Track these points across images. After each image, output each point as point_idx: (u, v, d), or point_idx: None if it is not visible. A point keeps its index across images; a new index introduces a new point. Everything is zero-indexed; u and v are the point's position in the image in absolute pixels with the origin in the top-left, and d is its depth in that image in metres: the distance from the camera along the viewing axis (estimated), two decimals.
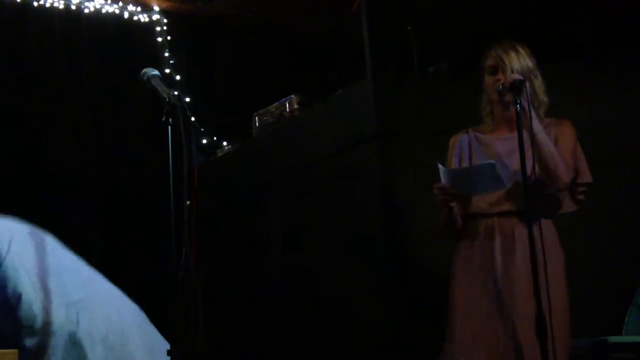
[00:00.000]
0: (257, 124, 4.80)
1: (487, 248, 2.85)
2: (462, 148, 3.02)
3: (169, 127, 2.50)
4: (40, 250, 2.96)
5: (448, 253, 3.00)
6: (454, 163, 3.03)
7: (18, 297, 2.81)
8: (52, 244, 3.03)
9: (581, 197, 2.90)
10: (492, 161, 2.76)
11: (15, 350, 2.74)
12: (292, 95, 4.58)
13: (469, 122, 3.17)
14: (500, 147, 2.92)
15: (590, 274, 3.58)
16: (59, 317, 2.85)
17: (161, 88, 2.59)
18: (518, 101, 2.67)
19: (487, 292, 2.82)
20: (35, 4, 5.17)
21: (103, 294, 3.10)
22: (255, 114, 4.82)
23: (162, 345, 2.85)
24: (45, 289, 2.86)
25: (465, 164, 2.98)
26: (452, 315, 2.89)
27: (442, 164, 2.88)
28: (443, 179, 2.82)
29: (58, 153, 5.07)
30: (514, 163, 2.78)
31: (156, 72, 2.64)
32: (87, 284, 3.06)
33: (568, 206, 2.91)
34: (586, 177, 2.89)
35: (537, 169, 2.76)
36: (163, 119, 2.50)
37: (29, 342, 2.80)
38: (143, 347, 3.01)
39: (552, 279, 2.62)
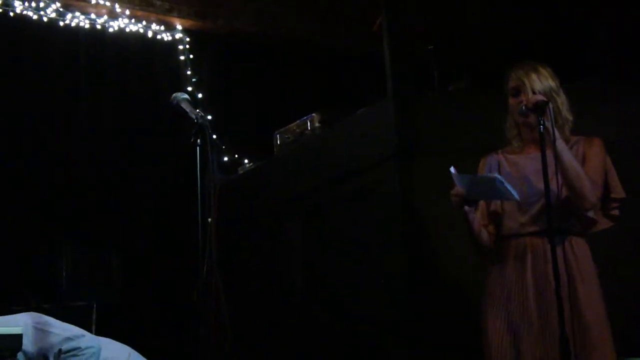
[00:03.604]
0: (278, 142, 4.84)
1: (519, 268, 2.86)
2: (491, 168, 3.03)
3: (197, 147, 2.56)
4: None
5: (469, 270, 3.00)
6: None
7: None
8: None
9: (615, 212, 2.90)
10: (497, 175, 2.77)
11: None
12: (313, 114, 4.61)
13: (489, 140, 3.18)
14: (528, 166, 2.92)
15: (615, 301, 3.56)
16: None
17: (190, 110, 2.67)
18: (541, 122, 2.69)
19: (520, 312, 2.81)
20: (62, 23, 5.27)
21: None
22: (277, 131, 4.86)
23: None
24: None
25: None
26: (485, 339, 2.89)
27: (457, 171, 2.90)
28: (456, 182, 2.83)
29: (82, 170, 5.14)
30: (541, 182, 2.79)
31: (185, 95, 2.73)
32: None
33: (602, 223, 2.90)
34: (619, 192, 2.88)
35: (563, 188, 2.77)
36: (192, 140, 2.57)
37: None
38: None
39: (586, 297, 2.62)
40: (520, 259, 2.86)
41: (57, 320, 3.09)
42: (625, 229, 3.04)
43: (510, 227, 2.91)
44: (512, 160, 3.00)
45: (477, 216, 2.95)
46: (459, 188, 2.83)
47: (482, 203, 3.02)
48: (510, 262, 2.88)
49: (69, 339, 2.97)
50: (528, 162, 2.94)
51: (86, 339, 3.01)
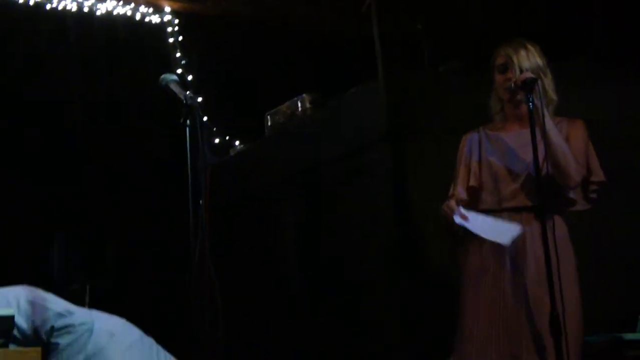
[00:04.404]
0: (269, 123, 4.83)
1: (496, 245, 2.85)
2: (471, 145, 3.03)
3: (187, 128, 2.55)
4: None
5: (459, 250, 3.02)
6: (463, 158, 3.04)
7: None
8: None
9: (594, 195, 2.91)
10: (519, 228, 2.77)
11: (39, 349, 2.80)
12: (303, 94, 4.60)
13: (480, 120, 3.18)
14: (511, 141, 2.93)
15: (605, 270, 3.59)
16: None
17: (179, 91, 2.66)
18: (530, 99, 2.70)
19: (497, 290, 2.82)
20: (48, 6, 5.22)
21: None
22: (267, 113, 4.84)
23: None
24: None
25: (475, 159, 2.98)
26: (462, 316, 2.90)
27: (452, 161, 2.91)
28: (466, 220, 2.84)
29: (71, 155, 5.11)
30: (525, 158, 2.80)
31: (174, 77, 2.72)
32: None
33: (581, 204, 2.92)
34: (599, 175, 2.89)
35: (549, 166, 2.78)
36: (181, 121, 2.56)
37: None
38: None
39: (563, 275, 2.63)
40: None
41: (51, 294, 3.07)
42: (603, 210, 3.06)
43: (489, 202, 2.92)
44: (494, 137, 2.99)
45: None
46: (462, 217, 2.83)
47: (460, 177, 3.02)
48: (487, 242, 2.86)
49: (61, 315, 2.96)
50: (510, 138, 2.94)
51: (79, 314, 2.99)
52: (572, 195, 2.88)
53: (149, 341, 3.24)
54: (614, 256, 3.69)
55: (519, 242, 2.82)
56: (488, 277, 2.85)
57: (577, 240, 2.92)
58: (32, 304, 2.95)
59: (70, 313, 2.97)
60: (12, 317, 2.80)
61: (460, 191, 3.00)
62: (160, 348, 3.24)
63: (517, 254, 2.82)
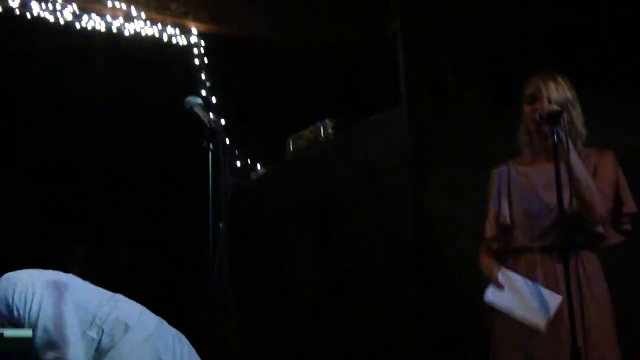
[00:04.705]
0: (291, 148, 4.84)
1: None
2: (501, 181, 3.00)
3: (210, 152, 2.57)
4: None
5: (481, 278, 2.98)
6: (494, 194, 3.02)
7: None
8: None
9: (627, 227, 2.87)
10: (559, 301, 2.72)
11: None
12: (326, 120, 4.62)
13: (502, 148, 3.17)
14: (539, 178, 2.90)
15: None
16: None
17: (203, 114, 2.69)
18: (555, 132, 2.68)
19: (531, 335, 2.77)
20: (78, 25, 5.29)
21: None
22: (290, 137, 4.86)
23: None
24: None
25: (504, 196, 2.96)
26: (495, 352, 2.88)
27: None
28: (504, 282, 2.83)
29: (96, 172, 5.16)
30: (553, 195, 2.73)
31: (199, 100, 2.75)
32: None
33: (613, 238, 2.87)
34: (631, 206, 2.84)
35: (574, 201, 2.74)
36: (204, 144, 2.58)
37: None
38: None
39: (597, 315, 2.59)
40: (532, 275, 2.83)
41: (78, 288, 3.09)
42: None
43: (522, 239, 2.89)
44: (523, 172, 2.97)
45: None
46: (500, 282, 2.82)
47: (491, 214, 3.00)
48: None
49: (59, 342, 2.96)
50: (539, 174, 2.91)
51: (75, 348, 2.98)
52: (599, 229, 2.83)
53: (168, 332, 3.22)
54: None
55: (551, 280, 2.79)
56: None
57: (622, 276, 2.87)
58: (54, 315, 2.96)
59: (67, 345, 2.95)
60: (29, 339, 2.80)
61: (491, 229, 2.98)
62: (182, 338, 3.22)
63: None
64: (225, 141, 2.63)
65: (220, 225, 2.61)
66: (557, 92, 2.85)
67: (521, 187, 2.92)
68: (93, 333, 3.00)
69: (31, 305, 2.90)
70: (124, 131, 5.35)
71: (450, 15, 4.57)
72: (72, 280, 3.14)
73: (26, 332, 2.82)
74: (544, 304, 2.74)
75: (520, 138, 3.01)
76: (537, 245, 2.85)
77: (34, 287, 2.95)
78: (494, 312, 2.91)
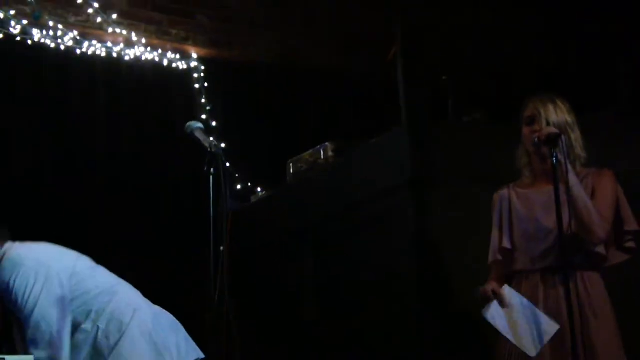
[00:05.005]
0: (291, 171, 4.84)
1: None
2: (502, 205, 3.03)
3: (211, 176, 2.58)
4: None
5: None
6: (495, 219, 3.04)
7: None
8: None
9: (631, 244, 2.87)
10: (557, 327, 2.73)
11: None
12: (327, 143, 4.62)
13: (502, 171, 3.18)
14: (538, 200, 2.91)
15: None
16: None
17: (203, 138, 2.71)
18: (554, 154, 2.68)
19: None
20: (78, 51, 5.32)
21: None
22: (290, 160, 4.86)
23: None
24: None
25: (505, 220, 2.99)
26: None
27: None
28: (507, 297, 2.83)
29: (97, 196, 5.15)
30: (552, 217, 2.75)
31: (199, 124, 2.77)
32: None
33: (617, 257, 2.88)
34: (632, 224, 2.85)
35: (573, 223, 2.74)
36: (205, 168, 2.59)
37: None
38: None
39: (599, 335, 2.58)
40: (533, 297, 2.83)
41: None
42: None
43: (523, 262, 2.89)
44: (523, 195, 2.99)
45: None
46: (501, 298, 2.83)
47: (494, 237, 3.01)
48: None
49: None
50: (539, 196, 2.93)
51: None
52: (600, 250, 2.83)
53: (166, 322, 3.24)
54: None
55: (552, 301, 2.80)
56: None
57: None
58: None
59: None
60: None
61: (493, 254, 2.99)
62: (179, 326, 3.25)
63: (551, 312, 2.78)
64: (225, 165, 2.63)
65: (221, 248, 2.61)
66: (556, 114, 2.86)
67: (521, 211, 2.94)
68: (88, 326, 3.05)
69: (29, 298, 2.96)
70: (125, 156, 5.35)
71: (450, 38, 4.60)
72: (79, 264, 3.16)
73: (27, 358, 2.83)
74: (540, 330, 2.74)
75: (520, 159, 3.03)
76: (538, 267, 2.85)
77: (36, 276, 3.01)
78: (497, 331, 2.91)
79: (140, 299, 3.28)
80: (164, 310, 3.29)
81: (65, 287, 3.07)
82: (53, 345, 2.93)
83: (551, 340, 2.74)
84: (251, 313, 4.67)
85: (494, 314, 2.86)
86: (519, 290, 2.88)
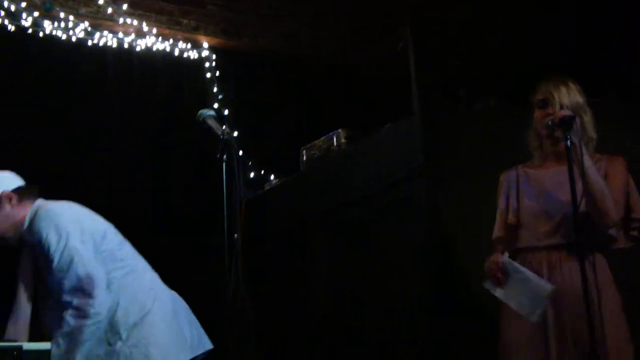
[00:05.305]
0: (304, 158, 4.85)
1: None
2: (509, 184, 3.03)
3: (223, 163, 2.58)
4: None
5: None
6: (502, 199, 3.04)
7: None
8: None
9: (635, 233, 2.87)
10: (551, 287, 2.77)
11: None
12: (339, 130, 4.62)
13: (515, 157, 3.17)
14: (549, 180, 2.92)
15: None
16: None
17: (215, 126, 2.70)
18: (568, 137, 2.68)
19: (538, 330, 2.79)
20: (90, 42, 5.33)
21: None
22: (303, 148, 4.87)
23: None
24: None
25: (513, 197, 2.98)
26: (503, 354, 2.87)
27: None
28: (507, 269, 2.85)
29: (110, 186, 5.18)
30: (562, 196, 2.78)
31: (212, 112, 2.77)
32: None
33: (622, 242, 2.88)
34: (639, 212, 2.85)
35: (586, 204, 2.74)
36: (217, 156, 2.59)
37: None
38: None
39: (609, 318, 2.59)
40: (538, 274, 2.84)
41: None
42: None
43: (527, 239, 2.90)
44: (532, 175, 2.99)
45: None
46: (500, 272, 2.85)
47: (499, 213, 3.01)
48: None
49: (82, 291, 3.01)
50: (548, 176, 2.93)
51: (101, 299, 3.01)
52: (612, 232, 2.83)
53: (181, 304, 3.26)
54: None
55: (557, 278, 2.80)
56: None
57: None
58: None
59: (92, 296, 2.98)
60: (19, 347, 2.83)
61: (499, 229, 2.99)
62: (187, 307, 3.27)
63: (557, 294, 2.79)
64: (238, 152, 2.63)
65: (236, 236, 2.61)
66: (569, 96, 2.86)
67: (529, 188, 2.95)
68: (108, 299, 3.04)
69: (63, 252, 2.99)
70: (138, 146, 5.37)
71: (461, 25, 4.58)
72: (109, 232, 3.23)
73: (45, 345, 2.85)
74: (536, 294, 2.78)
75: (530, 142, 3.02)
76: (543, 245, 2.85)
77: (69, 236, 3.01)
78: (504, 318, 2.90)
79: (161, 283, 3.29)
80: (180, 297, 3.31)
81: (97, 245, 3.08)
82: (89, 290, 2.95)
83: (558, 323, 2.75)
84: (264, 300, 4.69)
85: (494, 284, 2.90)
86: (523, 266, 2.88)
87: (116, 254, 3.17)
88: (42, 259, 3.04)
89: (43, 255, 3.01)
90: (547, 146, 2.96)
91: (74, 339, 2.89)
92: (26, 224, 3.13)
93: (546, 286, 2.78)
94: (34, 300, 3.17)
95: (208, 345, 3.26)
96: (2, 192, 3.16)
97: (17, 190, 3.20)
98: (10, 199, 3.16)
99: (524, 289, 2.81)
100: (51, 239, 3.00)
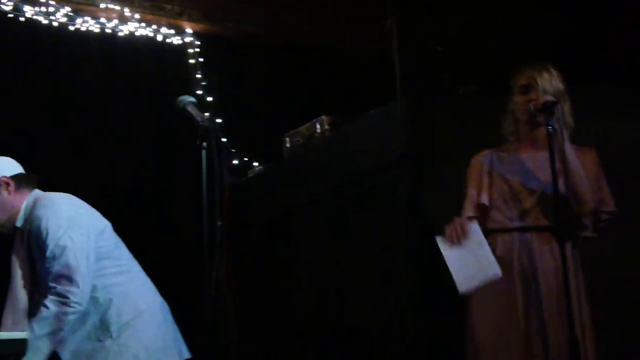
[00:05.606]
0: (287, 145, 4.84)
1: (506, 265, 2.82)
2: (482, 166, 3.01)
3: (203, 150, 2.56)
4: None
5: None
6: (473, 178, 3.02)
7: None
8: None
9: (603, 225, 2.88)
10: (499, 274, 2.76)
11: None
12: (322, 116, 4.61)
13: (498, 143, 3.17)
14: (522, 164, 2.92)
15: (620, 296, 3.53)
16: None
17: (196, 113, 2.68)
18: (550, 123, 2.68)
19: (508, 315, 2.79)
20: (72, 27, 5.28)
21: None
22: (286, 134, 4.86)
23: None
24: None
25: (485, 178, 2.97)
26: (473, 336, 2.88)
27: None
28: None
29: (91, 173, 5.14)
30: (538, 179, 2.81)
31: (192, 98, 2.73)
32: None
33: (590, 231, 2.89)
34: (609, 205, 2.86)
35: (565, 190, 2.75)
36: (197, 142, 2.57)
37: None
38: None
39: (583, 302, 2.60)
40: (508, 255, 2.83)
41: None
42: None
43: (499, 220, 2.90)
44: (506, 158, 2.98)
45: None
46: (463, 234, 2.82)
47: (470, 194, 3.00)
48: (496, 258, 2.83)
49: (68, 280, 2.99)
50: (523, 160, 2.93)
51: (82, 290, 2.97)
52: (584, 220, 2.84)
53: (170, 316, 3.24)
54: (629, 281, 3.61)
55: (527, 261, 2.80)
56: (500, 299, 2.82)
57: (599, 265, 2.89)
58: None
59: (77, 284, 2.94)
60: (24, 340, 2.81)
61: (469, 209, 2.98)
62: (175, 324, 3.26)
63: (526, 272, 2.80)
64: (220, 139, 2.61)
65: (219, 223, 2.59)
66: (551, 83, 2.87)
67: (503, 171, 2.94)
68: (100, 296, 3.04)
69: (59, 239, 2.95)
70: (120, 131, 5.34)
71: (444, 10, 4.57)
72: (107, 230, 3.19)
73: (20, 335, 2.82)
74: (481, 271, 2.78)
75: (507, 127, 3.01)
76: (515, 226, 2.85)
77: (69, 226, 2.99)
78: (472, 314, 2.91)
79: (153, 287, 3.27)
80: (166, 304, 3.28)
81: (92, 242, 3.05)
82: (76, 279, 2.92)
83: (527, 305, 2.74)
84: (248, 289, 4.68)
85: (445, 243, 2.88)
86: (493, 248, 2.86)
87: (112, 252, 3.15)
88: (37, 246, 3.00)
89: (40, 242, 2.98)
90: (525, 131, 2.96)
91: (48, 325, 2.86)
92: (22, 212, 3.08)
93: (496, 270, 2.76)
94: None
95: (186, 354, 3.24)
96: (0, 177, 3.11)
97: (16, 177, 3.14)
98: (7, 185, 3.10)
99: (474, 261, 2.78)
100: (50, 226, 2.97)
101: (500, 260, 2.82)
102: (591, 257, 2.94)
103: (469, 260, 2.80)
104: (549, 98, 2.77)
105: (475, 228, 2.83)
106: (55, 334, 2.88)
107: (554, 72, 2.91)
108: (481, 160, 3.03)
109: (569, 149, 2.76)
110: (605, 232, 2.91)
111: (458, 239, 2.81)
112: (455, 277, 2.82)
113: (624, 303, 3.47)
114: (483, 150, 3.09)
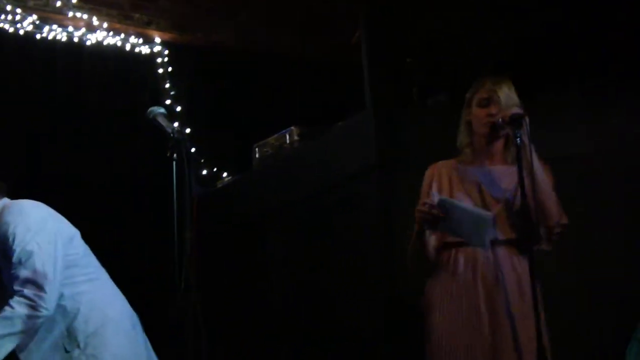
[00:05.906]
0: (257, 155, 4.83)
1: (469, 280, 2.79)
2: (440, 176, 2.95)
3: (173, 162, 2.55)
4: None
5: None
6: (431, 191, 2.97)
7: None
8: None
9: (555, 237, 2.84)
10: (491, 215, 2.73)
11: None
12: (292, 127, 4.61)
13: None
14: (480, 178, 2.89)
15: (590, 309, 3.57)
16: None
17: (166, 124, 2.67)
18: (518, 135, 2.67)
19: (472, 327, 2.76)
20: (39, 36, 5.22)
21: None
22: (255, 145, 4.85)
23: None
24: None
25: (445, 193, 2.88)
26: (434, 349, 2.83)
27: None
28: (442, 206, 2.75)
29: (58, 182, 5.08)
30: (496, 193, 2.80)
31: (162, 109, 2.72)
32: None
33: (545, 244, 2.85)
34: (564, 218, 2.83)
35: (530, 203, 2.71)
36: (167, 154, 2.56)
37: None
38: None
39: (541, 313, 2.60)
40: (472, 269, 2.80)
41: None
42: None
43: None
44: (463, 171, 2.93)
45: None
46: (435, 209, 2.75)
47: (426, 192, 2.95)
48: (459, 273, 2.81)
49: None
50: (479, 173, 2.90)
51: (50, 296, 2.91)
52: (542, 232, 2.81)
53: (139, 327, 3.20)
54: (598, 293, 3.65)
55: (491, 275, 2.78)
56: (463, 304, 2.79)
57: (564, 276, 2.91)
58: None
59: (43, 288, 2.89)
60: None
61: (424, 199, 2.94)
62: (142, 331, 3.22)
63: (490, 287, 2.77)
64: (189, 150, 2.60)
65: (188, 234, 2.58)
66: (510, 96, 2.84)
67: (460, 184, 2.89)
68: (67, 304, 2.98)
69: (26, 245, 2.90)
70: (88, 141, 5.28)
71: (414, 22, 4.60)
72: (76, 237, 3.14)
73: None
74: (480, 224, 2.73)
75: (462, 139, 2.97)
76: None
77: (36, 232, 2.94)
78: (430, 308, 2.89)
79: (122, 297, 3.23)
80: (134, 312, 3.24)
81: (59, 249, 3.00)
82: (43, 284, 2.87)
83: (491, 318, 2.74)
84: (219, 301, 4.66)
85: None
86: (454, 262, 2.82)
87: (81, 260, 3.10)
88: (2, 252, 2.96)
89: (6, 247, 2.93)
90: (481, 144, 2.92)
91: (11, 325, 2.81)
92: None
93: (487, 215, 2.73)
94: None
95: None
96: None
97: None
98: None
99: (467, 221, 2.74)
100: (18, 232, 2.92)
101: (463, 277, 2.80)
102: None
103: (466, 224, 2.75)
104: (517, 111, 2.72)
105: (441, 198, 2.77)
106: (16, 335, 2.82)
107: (512, 86, 2.87)
108: (439, 171, 2.97)
109: (537, 163, 2.74)
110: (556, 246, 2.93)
111: (439, 216, 2.74)
112: (469, 242, 2.78)
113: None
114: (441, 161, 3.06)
